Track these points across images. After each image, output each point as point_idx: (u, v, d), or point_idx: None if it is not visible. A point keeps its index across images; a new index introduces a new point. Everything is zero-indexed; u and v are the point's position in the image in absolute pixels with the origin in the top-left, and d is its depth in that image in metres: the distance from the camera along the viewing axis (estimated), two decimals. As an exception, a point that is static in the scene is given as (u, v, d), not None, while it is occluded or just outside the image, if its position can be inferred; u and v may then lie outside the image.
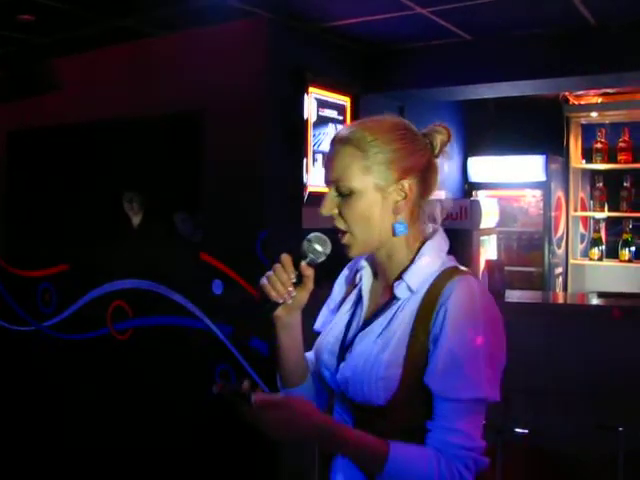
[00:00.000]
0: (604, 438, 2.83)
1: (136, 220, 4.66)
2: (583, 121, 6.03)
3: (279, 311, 1.46)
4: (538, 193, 5.73)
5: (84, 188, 4.69)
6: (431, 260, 1.43)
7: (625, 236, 5.77)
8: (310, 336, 1.65)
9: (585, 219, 6.23)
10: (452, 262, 1.45)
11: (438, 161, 1.46)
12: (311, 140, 4.12)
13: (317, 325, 1.67)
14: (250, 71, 3.95)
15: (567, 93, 5.77)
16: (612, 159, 5.86)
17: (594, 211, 6.03)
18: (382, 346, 1.39)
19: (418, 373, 1.35)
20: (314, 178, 4.09)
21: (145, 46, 4.30)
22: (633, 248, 5.79)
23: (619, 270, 5.72)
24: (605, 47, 3.90)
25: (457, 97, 4.92)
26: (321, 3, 3.68)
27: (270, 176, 3.96)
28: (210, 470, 4.08)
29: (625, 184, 5.84)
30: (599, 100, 5.83)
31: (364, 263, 1.55)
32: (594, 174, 6.03)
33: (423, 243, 1.46)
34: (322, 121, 4.20)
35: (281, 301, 1.44)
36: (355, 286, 1.58)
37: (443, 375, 1.32)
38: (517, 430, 2.89)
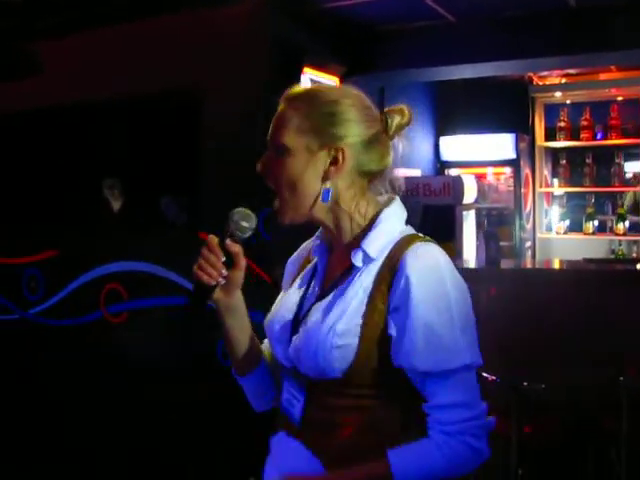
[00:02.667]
0: (608, 389, 3.01)
1: (116, 205, 4.66)
2: (547, 101, 6.28)
3: (217, 294, 1.42)
4: (509, 170, 5.95)
5: (71, 172, 4.65)
6: (390, 227, 1.38)
7: (588, 210, 6.05)
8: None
9: (548, 195, 6.49)
10: (411, 231, 1.41)
11: (393, 141, 1.42)
12: (305, 119, 4.18)
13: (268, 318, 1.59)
14: (247, 51, 3.99)
15: (532, 74, 6.00)
16: (575, 137, 6.12)
17: (558, 187, 6.30)
18: (338, 315, 1.33)
19: (375, 344, 1.31)
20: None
21: (141, 26, 4.28)
22: (596, 222, 6.08)
23: (583, 242, 5.99)
24: (584, 27, 4.09)
25: (439, 77, 5.06)
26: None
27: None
28: (208, 452, 4.12)
29: (587, 161, 6.12)
30: (562, 80, 6.09)
31: (316, 239, 1.51)
32: (558, 152, 6.30)
33: (379, 213, 1.41)
34: (314, 101, 4.27)
35: (214, 283, 1.39)
36: (309, 263, 1.53)
37: (425, 351, 1.26)
38: (529, 385, 3.00)
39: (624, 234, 5.95)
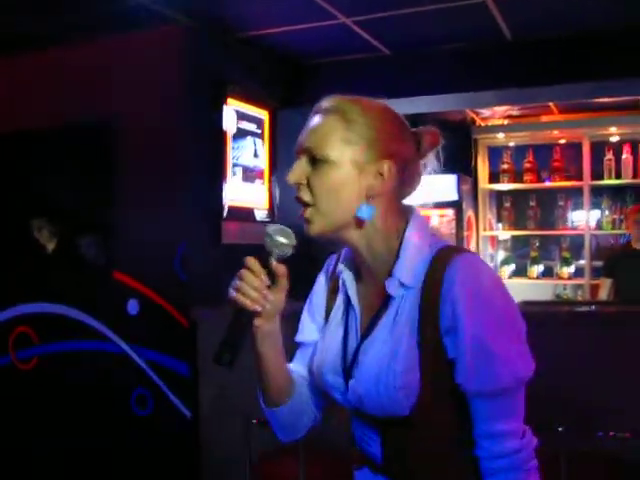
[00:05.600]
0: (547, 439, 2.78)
1: (50, 246, 4.38)
2: (490, 143, 6.19)
3: (258, 320, 1.30)
4: (451, 212, 5.80)
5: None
6: (418, 246, 1.30)
7: (533, 254, 5.92)
8: (290, 348, 1.49)
9: (493, 238, 6.36)
10: (440, 241, 1.33)
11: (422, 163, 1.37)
12: (230, 153, 3.98)
13: (301, 337, 1.51)
14: (167, 81, 3.80)
15: (474, 115, 5.91)
16: (518, 180, 6.03)
17: (503, 230, 6.16)
18: (391, 354, 1.26)
19: (438, 372, 1.25)
20: (233, 192, 3.95)
21: (53, 54, 4.05)
22: (541, 266, 5.95)
23: (528, 287, 5.85)
24: (521, 62, 4.00)
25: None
26: (243, 10, 3.59)
27: (187, 191, 3.81)
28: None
29: (531, 203, 6.01)
30: (505, 122, 6.01)
31: (341, 266, 1.41)
32: (502, 194, 6.18)
33: (403, 233, 1.32)
34: (241, 134, 4.08)
35: (259, 309, 1.28)
36: (337, 293, 1.44)
37: (477, 369, 1.21)
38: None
39: (569, 278, 5.83)
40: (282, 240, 1.28)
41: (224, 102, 3.89)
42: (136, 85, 3.84)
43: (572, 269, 5.87)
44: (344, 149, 1.26)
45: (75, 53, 3.99)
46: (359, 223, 1.30)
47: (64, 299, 4.02)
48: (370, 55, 4.23)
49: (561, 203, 5.99)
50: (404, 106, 4.51)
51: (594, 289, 5.54)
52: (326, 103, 1.32)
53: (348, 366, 1.35)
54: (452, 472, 1.31)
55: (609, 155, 5.68)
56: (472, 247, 6.05)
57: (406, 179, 1.32)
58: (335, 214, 1.29)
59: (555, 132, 5.91)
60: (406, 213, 1.35)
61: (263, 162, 4.24)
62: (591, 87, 4.11)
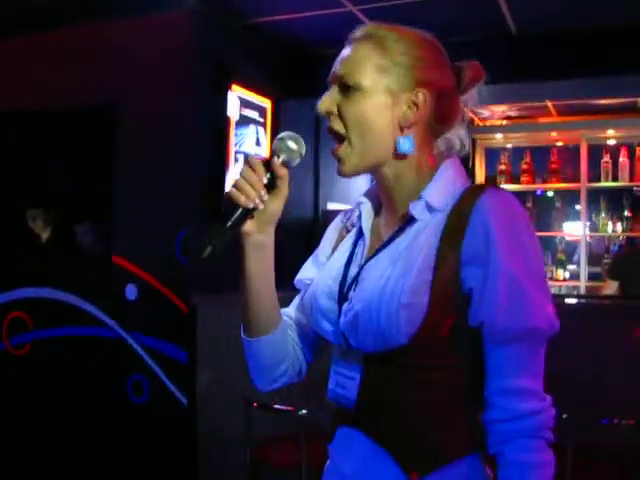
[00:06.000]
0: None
1: (45, 235, 4.34)
2: (488, 144, 6.19)
3: (249, 225, 1.22)
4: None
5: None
6: (453, 177, 1.23)
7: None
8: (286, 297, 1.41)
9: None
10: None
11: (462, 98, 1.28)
12: (233, 139, 3.96)
13: (300, 276, 1.39)
14: (171, 65, 3.78)
15: (473, 115, 5.91)
16: (515, 181, 6.03)
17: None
18: (401, 270, 1.15)
19: (450, 303, 1.14)
20: (235, 179, 3.92)
21: (56, 35, 4.02)
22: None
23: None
24: (524, 56, 4.00)
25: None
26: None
27: (190, 175, 3.78)
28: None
29: (528, 205, 6.01)
30: (503, 122, 6.02)
31: (362, 199, 1.33)
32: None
33: (436, 170, 1.24)
34: (244, 121, 4.06)
35: (251, 206, 1.19)
36: (350, 231, 1.36)
37: (509, 303, 1.10)
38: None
39: (564, 280, 5.83)
40: (291, 145, 1.22)
41: (228, 88, 3.87)
42: (140, 68, 3.82)
43: (567, 272, 5.88)
44: (377, 76, 1.20)
45: (79, 34, 3.96)
46: (395, 156, 1.22)
47: (60, 284, 3.97)
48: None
49: (558, 205, 5.99)
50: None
51: (590, 292, 5.54)
52: (359, 32, 1.25)
53: (346, 289, 1.24)
54: (445, 434, 1.17)
55: (606, 158, 5.69)
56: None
57: (443, 113, 1.23)
58: (368, 147, 1.21)
59: (553, 134, 5.91)
60: (442, 153, 1.27)
61: (265, 151, 4.22)
62: (593, 84, 4.12)
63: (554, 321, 1.14)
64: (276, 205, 1.24)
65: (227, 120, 3.90)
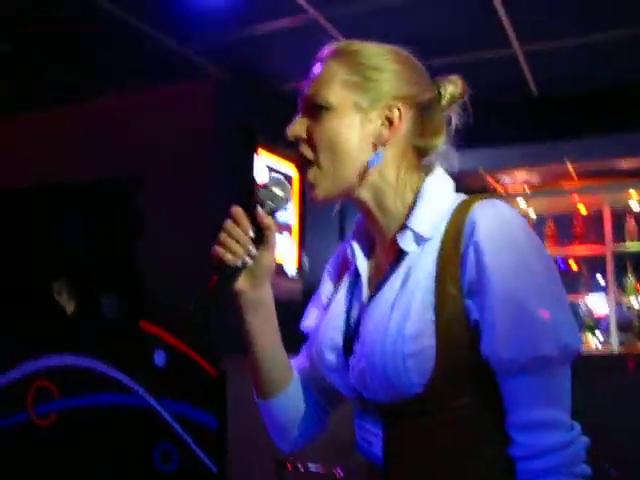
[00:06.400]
0: None
1: (70, 308, 4.35)
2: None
3: (241, 283, 1.14)
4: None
5: (6, 261, 4.34)
6: (438, 197, 1.12)
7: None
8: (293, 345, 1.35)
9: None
10: (465, 196, 1.13)
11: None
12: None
13: (306, 323, 1.30)
14: (199, 132, 3.85)
15: (494, 182, 5.96)
16: (540, 247, 6.00)
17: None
18: (401, 315, 1.04)
19: (459, 340, 1.02)
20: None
21: (83, 107, 4.12)
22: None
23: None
24: (546, 117, 4.06)
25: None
26: (277, 63, 3.69)
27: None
28: None
29: (553, 271, 5.97)
30: (525, 188, 6.05)
31: (352, 237, 1.24)
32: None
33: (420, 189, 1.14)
34: (271, 186, 4.09)
35: (240, 264, 1.11)
36: (349, 268, 1.25)
37: (510, 332, 0.98)
38: None
39: (595, 348, 5.71)
40: (277, 192, 1.15)
41: (254, 153, 3.93)
42: (167, 136, 3.89)
43: (597, 338, 5.77)
44: (346, 93, 1.12)
45: (106, 105, 4.06)
46: (369, 176, 1.13)
47: (87, 350, 3.93)
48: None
49: (584, 269, 5.94)
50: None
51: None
52: (327, 50, 1.17)
53: (349, 340, 1.15)
54: (478, 474, 1.05)
55: (631, 220, 5.68)
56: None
57: (424, 128, 1.15)
58: (339, 169, 1.12)
59: (575, 198, 5.92)
60: (426, 169, 1.16)
61: (292, 218, 4.25)
62: (613, 144, 4.16)
63: (570, 344, 0.99)
64: (267, 258, 1.15)
65: (254, 184, 3.94)
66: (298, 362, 1.30)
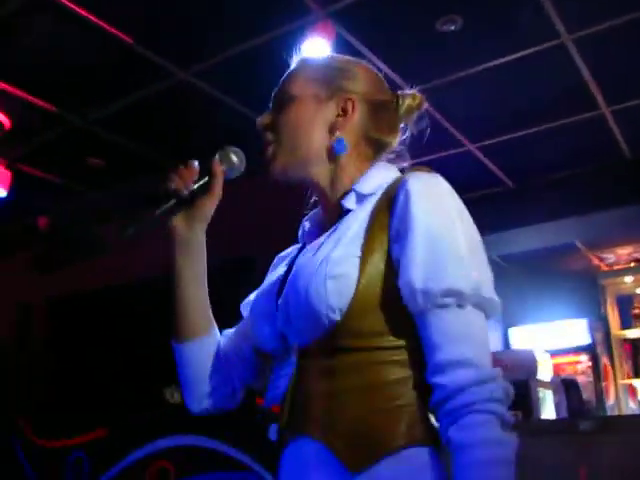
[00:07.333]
0: None
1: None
2: (618, 289, 6.06)
3: (177, 220, 1.26)
4: (585, 358, 5.59)
5: (124, 351, 4.59)
6: (384, 171, 1.24)
7: (680, 403, 5.53)
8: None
9: (632, 388, 6.00)
10: None
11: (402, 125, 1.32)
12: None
13: (245, 302, 1.37)
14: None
15: (598, 261, 5.88)
16: (651, 325, 5.80)
17: (642, 378, 5.84)
18: (331, 246, 1.12)
19: (379, 275, 1.08)
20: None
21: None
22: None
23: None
24: None
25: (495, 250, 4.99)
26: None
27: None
28: None
29: (669, 349, 5.73)
30: (631, 264, 5.93)
31: (306, 223, 1.34)
32: (636, 342, 5.93)
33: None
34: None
35: (174, 189, 1.22)
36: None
37: (427, 265, 1.03)
38: None
39: None
40: (233, 157, 1.29)
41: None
42: (271, 220, 4.10)
43: None
44: (306, 86, 1.27)
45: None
46: (327, 157, 1.25)
47: (201, 430, 4.04)
48: (493, 190, 4.40)
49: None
50: (529, 237, 4.59)
51: None
52: (300, 56, 1.34)
53: (283, 285, 1.19)
54: (388, 421, 1.04)
55: None
56: (611, 398, 5.72)
57: (377, 124, 1.27)
58: (297, 147, 1.24)
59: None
60: (377, 160, 1.29)
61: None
62: None
63: (481, 285, 1.04)
64: (206, 205, 1.26)
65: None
66: (227, 331, 1.35)
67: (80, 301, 4.87)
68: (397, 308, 1.06)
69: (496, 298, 1.05)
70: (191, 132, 3.72)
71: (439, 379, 1.00)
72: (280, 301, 1.16)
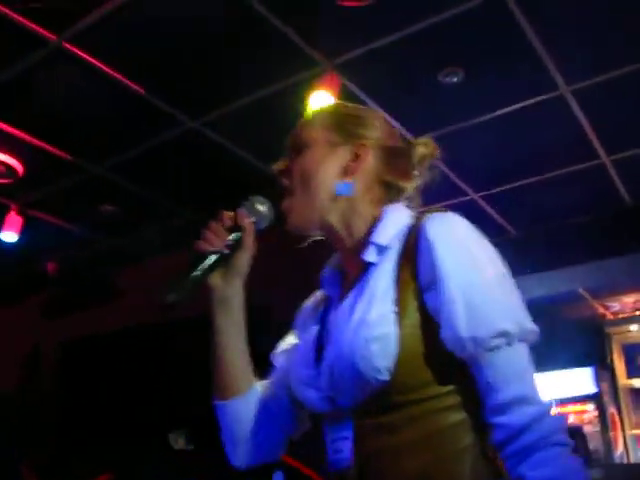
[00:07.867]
0: None
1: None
2: (623, 339, 6.06)
3: (215, 278, 1.25)
4: (591, 407, 5.56)
5: (134, 395, 4.61)
6: (398, 215, 1.23)
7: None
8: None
9: (641, 439, 5.94)
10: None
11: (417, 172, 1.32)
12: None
13: (276, 351, 1.37)
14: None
15: (603, 309, 5.89)
16: (658, 374, 5.79)
17: (651, 430, 5.79)
18: (364, 307, 1.12)
19: (419, 328, 1.09)
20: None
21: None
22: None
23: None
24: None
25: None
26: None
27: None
28: None
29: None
30: (637, 313, 5.93)
31: (326, 270, 1.34)
32: (641, 391, 5.92)
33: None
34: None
35: (211, 250, 1.22)
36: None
37: (469, 315, 1.04)
38: None
39: None
40: (259, 207, 1.27)
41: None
42: (293, 267, 4.14)
43: None
44: (320, 132, 1.28)
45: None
46: (336, 201, 1.24)
47: (200, 475, 4.02)
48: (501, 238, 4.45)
49: None
50: (534, 286, 4.62)
51: None
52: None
53: (320, 352, 1.19)
54: (455, 468, 1.05)
55: None
56: (620, 448, 5.67)
57: (391, 169, 1.28)
58: (310, 195, 1.25)
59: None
60: (390, 203, 1.28)
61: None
62: None
63: (523, 320, 1.06)
64: (242, 259, 1.26)
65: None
66: (262, 382, 1.33)
67: (86, 345, 4.90)
68: (442, 355, 1.07)
69: (535, 327, 1.07)
70: (202, 180, 3.81)
71: (500, 419, 1.03)
72: (322, 368, 1.15)
